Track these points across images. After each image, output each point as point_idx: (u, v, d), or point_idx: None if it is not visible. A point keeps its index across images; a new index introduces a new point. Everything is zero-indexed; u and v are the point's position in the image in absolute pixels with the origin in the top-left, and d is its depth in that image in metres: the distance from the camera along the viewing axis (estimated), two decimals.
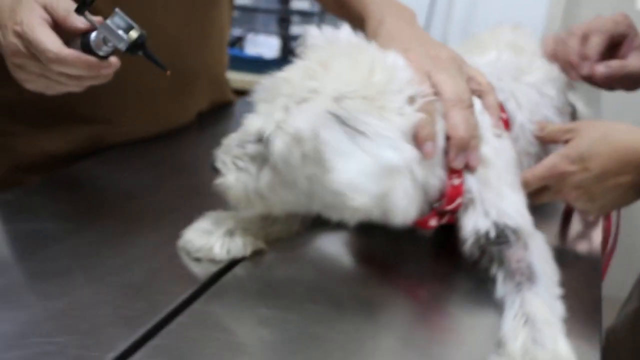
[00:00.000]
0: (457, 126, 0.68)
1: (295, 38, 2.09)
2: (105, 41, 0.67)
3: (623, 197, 0.73)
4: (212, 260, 0.69)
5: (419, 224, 0.71)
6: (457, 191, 0.69)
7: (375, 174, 0.56)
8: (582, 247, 0.84)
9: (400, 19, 0.81)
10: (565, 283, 0.64)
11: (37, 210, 0.79)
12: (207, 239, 0.69)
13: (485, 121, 0.73)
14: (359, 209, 0.59)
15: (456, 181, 0.68)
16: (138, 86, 0.98)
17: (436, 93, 0.68)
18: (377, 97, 0.61)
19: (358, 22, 0.84)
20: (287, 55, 2.06)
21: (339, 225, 0.72)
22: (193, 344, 0.56)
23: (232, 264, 0.70)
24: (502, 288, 0.64)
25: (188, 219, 0.72)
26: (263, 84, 0.65)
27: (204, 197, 0.75)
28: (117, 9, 0.66)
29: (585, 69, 0.87)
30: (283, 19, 2.10)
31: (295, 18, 2.10)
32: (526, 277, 0.63)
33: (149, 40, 0.68)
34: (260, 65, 2.05)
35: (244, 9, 2.17)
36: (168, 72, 0.69)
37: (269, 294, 0.65)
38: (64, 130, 0.96)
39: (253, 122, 0.65)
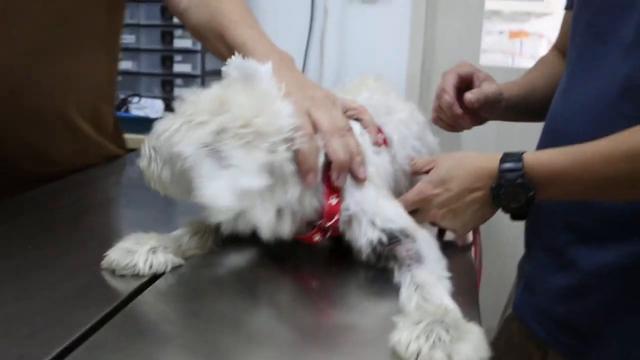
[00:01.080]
0: (337, 151, 0.79)
1: (177, 75, 2.19)
2: None
3: (481, 211, 0.86)
4: (135, 276, 0.75)
5: (305, 239, 0.81)
6: (334, 209, 0.79)
7: (231, 194, 0.66)
8: (457, 258, 0.92)
9: (281, 63, 0.89)
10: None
11: None
12: (131, 257, 0.75)
13: (366, 141, 0.85)
14: (222, 218, 0.71)
15: (333, 201, 0.79)
16: None
17: (316, 129, 0.79)
18: (252, 136, 0.72)
19: None
20: None
21: (247, 242, 0.81)
22: (129, 337, 0.62)
23: (153, 278, 0.75)
24: (397, 275, 0.74)
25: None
26: (185, 98, 0.76)
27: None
28: None
29: (457, 109, 1.05)
30: (166, 81, 2.19)
31: (178, 81, 2.19)
32: (415, 260, 0.73)
33: None
34: (147, 125, 2.11)
35: (127, 73, 2.23)
36: None
37: (189, 297, 0.72)
38: None
39: (159, 125, 0.76)
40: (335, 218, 0.79)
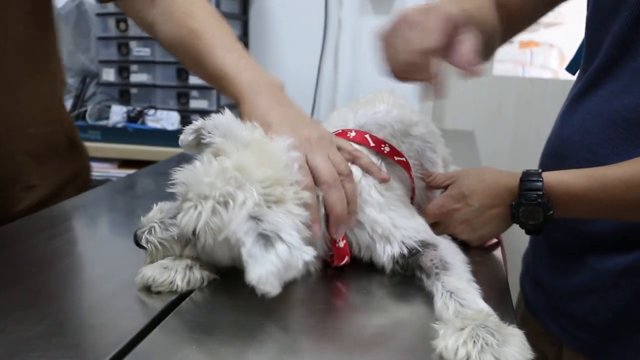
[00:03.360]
0: (334, 206, 0.78)
1: (194, 111, 2.20)
2: None
3: (497, 226, 0.89)
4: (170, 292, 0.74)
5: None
6: (344, 252, 0.81)
7: (280, 273, 0.65)
8: (486, 260, 0.96)
9: (271, 97, 0.86)
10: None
11: None
12: (168, 274, 0.74)
13: (370, 182, 0.85)
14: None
15: (341, 244, 0.81)
16: None
17: (314, 178, 0.79)
18: (280, 194, 0.72)
19: (234, 99, 0.90)
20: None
21: None
22: (173, 346, 0.62)
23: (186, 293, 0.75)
24: (426, 283, 0.76)
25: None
26: (180, 179, 0.74)
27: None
28: None
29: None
30: (181, 94, 2.20)
31: (193, 93, 2.20)
32: (441, 267, 0.75)
33: None
34: (163, 137, 2.13)
35: (142, 85, 2.24)
36: None
37: (226, 307, 0.73)
38: None
39: (183, 219, 0.72)
40: (346, 259, 0.81)
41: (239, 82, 0.88)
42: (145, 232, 0.77)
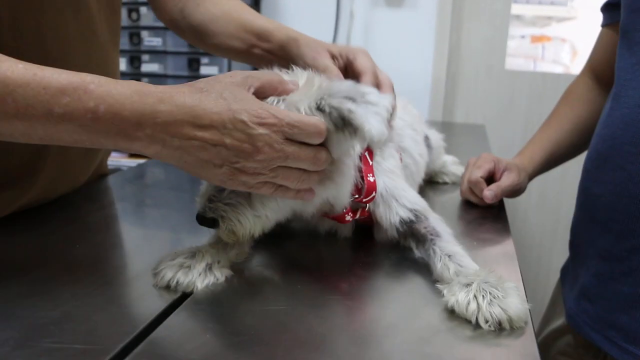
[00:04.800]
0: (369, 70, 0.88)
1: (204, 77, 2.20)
2: None
3: None
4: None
5: (337, 219, 0.86)
6: (373, 186, 0.83)
7: (383, 118, 0.69)
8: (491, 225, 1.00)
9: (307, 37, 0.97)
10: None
11: None
12: (190, 276, 0.73)
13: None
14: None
15: (371, 178, 0.83)
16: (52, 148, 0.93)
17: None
18: None
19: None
20: None
21: (279, 245, 0.85)
22: (189, 333, 0.63)
23: None
24: (416, 251, 0.83)
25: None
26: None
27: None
28: None
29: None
30: (192, 60, 2.20)
31: (204, 59, 2.20)
32: (435, 235, 0.81)
33: None
34: None
35: (154, 75, 2.24)
36: None
37: (240, 297, 0.73)
38: None
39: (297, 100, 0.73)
40: (373, 194, 0.84)
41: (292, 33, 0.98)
42: (206, 204, 0.76)
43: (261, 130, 0.65)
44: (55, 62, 0.68)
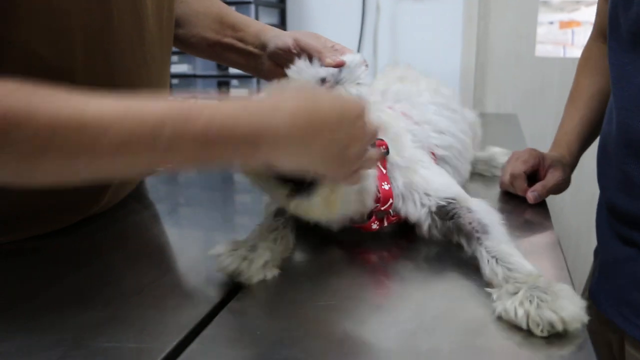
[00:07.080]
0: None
1: None
2: None
3: None
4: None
5: (364, 228, 0.86)
6: (389, 194, 0.83)
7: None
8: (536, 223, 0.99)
9: None
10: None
11: None
12: (252, 270, 0.74)
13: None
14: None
15: (386, 186, 0.83)
16: None
17: None
18: None
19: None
20: None
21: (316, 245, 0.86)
22: (239, 331, 0.63)
23: None
24: (468, 249, 0.79)
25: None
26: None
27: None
28: None
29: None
30: (222, 82, 2.22)
31: (234, 82, 2.21)
32: (481, 231, 0.77)
33: None
34: None
35: (183, 76, 2.26)
36: None
37: (287, 290, 0.73)
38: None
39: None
40: (390, 202, 0.84)
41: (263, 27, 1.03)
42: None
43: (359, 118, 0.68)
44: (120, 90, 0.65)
